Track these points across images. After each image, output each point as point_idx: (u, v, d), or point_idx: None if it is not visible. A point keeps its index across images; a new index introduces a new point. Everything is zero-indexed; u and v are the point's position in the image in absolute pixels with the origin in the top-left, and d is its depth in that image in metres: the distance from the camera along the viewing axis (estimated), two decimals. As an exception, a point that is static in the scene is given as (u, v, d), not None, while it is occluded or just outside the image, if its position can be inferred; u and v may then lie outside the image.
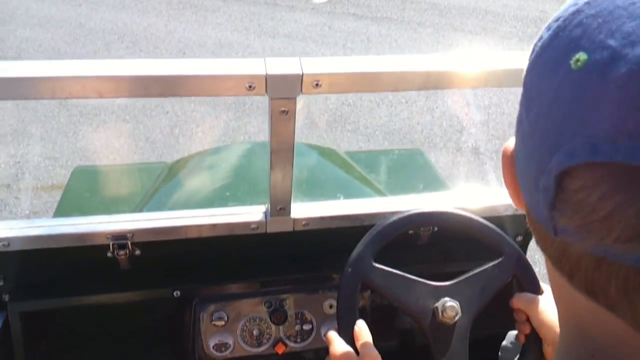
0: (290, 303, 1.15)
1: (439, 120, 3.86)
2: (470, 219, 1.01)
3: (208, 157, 1.80)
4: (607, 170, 0.29)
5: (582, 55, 0.31)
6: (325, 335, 1.00)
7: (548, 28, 0.35)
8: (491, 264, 0.98)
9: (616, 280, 0.31)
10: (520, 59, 0.92)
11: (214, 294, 1.14)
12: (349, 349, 0.88)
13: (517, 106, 0.39)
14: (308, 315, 1.16)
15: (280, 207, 1.06)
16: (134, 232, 1.04)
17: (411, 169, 1.97)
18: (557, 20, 0.34)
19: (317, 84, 0.87)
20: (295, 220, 1.09)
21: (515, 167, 0.39)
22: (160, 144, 3.54)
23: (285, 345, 1.15)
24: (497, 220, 1.07)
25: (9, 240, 1.00)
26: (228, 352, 1.14)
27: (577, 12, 0.33)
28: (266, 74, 0.84)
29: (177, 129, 3.70)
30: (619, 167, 0.29)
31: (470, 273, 0.98)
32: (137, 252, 1.07)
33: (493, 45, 5.21)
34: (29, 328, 1.11)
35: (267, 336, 1.15)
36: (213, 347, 1.13)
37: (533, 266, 1.01)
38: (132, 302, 1.14)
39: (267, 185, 1.02)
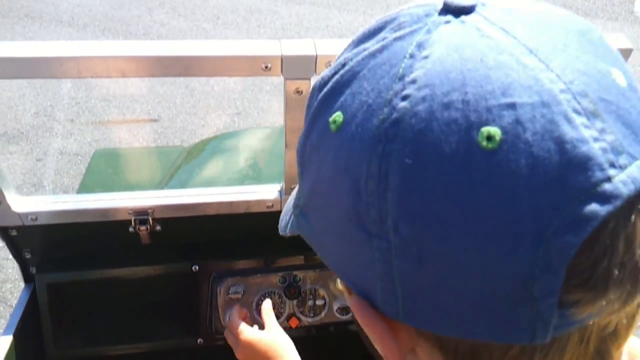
0: (303, 279, 1.19)
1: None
2: None
3: (225, 140, 1.85)
4: (618, 217, 0.27)
5: (491, 130, 0.27)
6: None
7: (388, 140, 0.29)
8: None
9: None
10: None
11: (230, 269, 1.18)
12: (259, 332, 0.96)
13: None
14: (321, 291, 1.20)
15: (294, 186, 1.09)
16: (155, 209, 1.08)
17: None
18: (394, 123, 0.29)
19: (330, 65, 0.89)
20: None
21: (410, 314, 0.31)
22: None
23: (299, 319, 1.19)
24: None
25: (36, 215, 1.05)
26: (243, 325, 1.18)
27: (423, 99, 0.28)
28: (282, 55, 0.87)
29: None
30: (627, 206, 0.26)
31: None
32: (158, 227, 1.11)
33: None
34: (55, 299, 1.17)
35: (282, 310, 1.19)
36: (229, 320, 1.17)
37: None
38: (152, 275, 1.18)
39: (276, 167, 1.05)
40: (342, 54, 0.35)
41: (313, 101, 0.35)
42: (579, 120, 0.26)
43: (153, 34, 4.92)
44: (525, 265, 0.26)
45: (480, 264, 0.27)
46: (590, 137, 0.26)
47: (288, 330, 1.20)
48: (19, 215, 1.04)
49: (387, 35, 0.32)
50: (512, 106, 0.26)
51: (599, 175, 0.26)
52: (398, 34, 0.31)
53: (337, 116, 0.32)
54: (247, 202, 1.11)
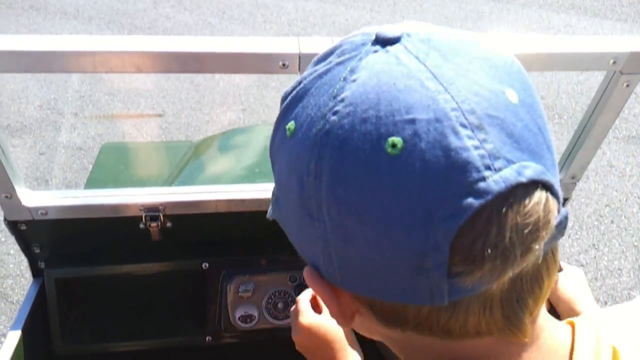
0: None
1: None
2: None
3: (234, 136, 1.84)
4: (491, 208, 0.33)
5: (395, 140, 0.34)
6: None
7: (321, 145, 0.36)
8: None
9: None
10: (561, 43, 0.91)
11: (241, 267, 1.17)
12: (317, 315, 0.87)
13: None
14: (331, 291, 1.19)
15: None
16: (166, 205, 1.07)
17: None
18: (327, 133, 0.36)
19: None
20: None
21: (341, 280, 0.39)
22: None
23: (308, 319, 1.19)
24: None
25: (47, 210, 1.04)
26: (253, 323, 1.17)
27: (347, 114, 0.36)
28: (299, 52, 0.86)
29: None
30: (498, 200, 0.33)
31: None
32: (169, 224, 1.10)
33: (513, 13, 5.35)
34: (63, 294, 1.16)
35: (291, 309, 1.18)
36: (238, 319, 1.17)
37: None
38: (162, 272, 1.18)
39: None
40: (306, 71, 0.42)
41: (280, 109, 0.42)
42: (464, 132, 0.33)
43: (158, 28, 4.91)
44: (420, 244, 0.34)
45: (388, 242, 0.35)
46: (472, 145, 0.33)
47: (297, 329, 1.20)
48: (29, 209, 1.03)
49: (333, 59, 0.39)
50: (412, 121, 0.34)
51: (475, 175, 0.33)
52: (340, 59, 0.38)
53: (291, 124, 0.39)
54: (259, 200, 1.10)
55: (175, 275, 1.19)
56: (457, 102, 0.34)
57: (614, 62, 0.88)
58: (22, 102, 3.77)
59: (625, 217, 2.98)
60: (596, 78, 4.05)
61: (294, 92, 0.40)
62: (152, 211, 1.07)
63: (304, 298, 0.91)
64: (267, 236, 1.21)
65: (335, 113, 0.36)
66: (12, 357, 1.03)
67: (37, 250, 1.14)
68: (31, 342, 1.10)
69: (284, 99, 0.42)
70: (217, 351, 1.27)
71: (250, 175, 1.48)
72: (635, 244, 2.81)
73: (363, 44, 0.38)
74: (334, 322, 0.88)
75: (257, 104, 3.82)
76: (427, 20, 5.15)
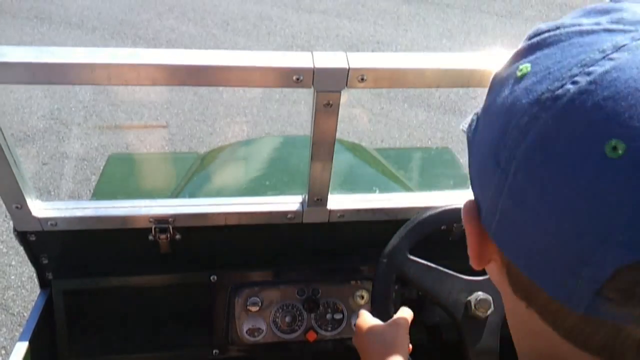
0: (322, 292, 1.18)
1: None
2: None
3: (239, 148, 1.84)
4: None
5: (619, 143, 0.30)
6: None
7: (543, 108, 0.33)
8: None
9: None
10: None
11: (249, 280, 1.17)
12: (378, 321, 0.89)
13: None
14: (339, 305, 1.19)
15: (317, 198, 1.08)
16: (175, 217, 1.07)
17: (440, 167, 1.98)
18: (555, 99, 0.33)
19: (362, 79, 0.89)
20: (331, 211, 1.11)
21: (496, 232, 0.38)
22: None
23: (316, 332, 1.18)
24: None
25: (56, 221, 1.04)
26: (260, 337, 1.17)
27: (586, 92, 0.31)
28: (314, 67, 0.87)
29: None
30: None
31: None
32: (178, 236, 1.10)
33: (517, 27, 5.40)
34: (71, 305, 1.15)
35: (299, 323, 1.18)
36: (246, 332, 1.16)
37: None
38: (170, 284, 1.17)
39: (298, 177, 1.04)
40: (571, 14, 0.38)
41: (523, 43, 0.39)
42: None
43: (162, 39, 4.93)
44: (586, 253, 0.31)
45: (556, 231, 0.33)
46: None
47: (305, 344, 1.19)
48: (39, 220, 1.03)
49: (603, 21, 0.34)
50: None
51: None
52: (611, 26, 0.33)
53: (526, 67, 0.36)
54: (269, 213, 1.10)
55: (183, 287, 1.19)
56: None
57: None
58: (26, 111, 3.77)
59: None
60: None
61: (546, 35, 0.36)
62: (162, 223, 1.07)
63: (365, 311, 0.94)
64: (276, 250, 1.21)
65: (574, 83, 0.32)
66: None
67: (45, 261, 1.14)
68: (38, 354, 1.09)
69: (533, 35, 0.38)
70: (224, 364, 1.27)
71: (258, 188, 1.48)
72: None
73: None
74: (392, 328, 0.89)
75: (260, 116, 3.82)
76: (431, 34, 5.20)
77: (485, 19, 5.57)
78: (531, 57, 0.36)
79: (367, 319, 0.90)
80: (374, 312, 0.95)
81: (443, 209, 1.01)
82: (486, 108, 0.40)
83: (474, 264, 0.44)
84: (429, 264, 0.97)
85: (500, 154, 0.36)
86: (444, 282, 0.97)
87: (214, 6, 5.61)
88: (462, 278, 0.98)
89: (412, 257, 0.97)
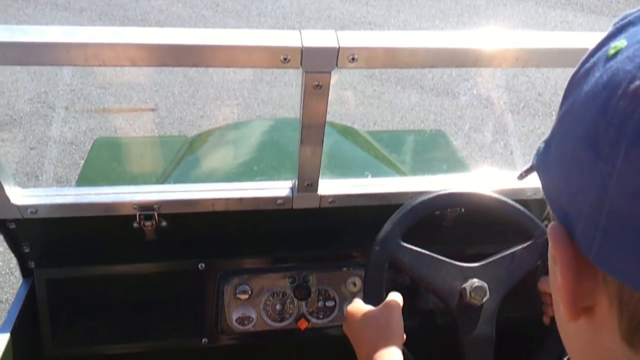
0: (313, 279, 1.15)
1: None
2: (502, 202, 0.99)
3: (229, 132, 1.80)
4: None
5: None
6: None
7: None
8: (520, 246, 0.97)
9: None
10: (558, 39, 0.90)
11: (238, 267, 1.14)
12: (370, 307, 0.88)
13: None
14: (331, 292, 1.16)
15: (307, 184, 1.05)
16: (161, 204, 1.03)
17: (433, 150, 1.95)
18: None
19: (353, 58, 0.85)
20: (321, 197, 1.08)
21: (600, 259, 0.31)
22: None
23: (308, 320, 1.16)
24: (523, 203, 1.06)
25: (37, 208, 1.00)
26: (250, 325, 1.14)
27: None
28: (302, 46, 0.82)
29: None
30: None
31: (499, 255, 0.97)
32: (164, 223, 1.07)
33: (509, 8, 5.33)
34: (54, 294, 1.12)
35: (290, 311, 1.15)
36: (236, 320, 1.13)
37: None
38: (157, 272, 1.14)
39: (288, 162, 1.01)
40: None
41: (609, 31, 0.36)
42: None
43: (151, 20, 4.84)
44: None
45: None
46: None
47: (297, 332, 1.16)
48: (18, 207, 0.99)
49: None
50: None
51: None
52: None
53: (621, 43, 0.32)
54: (257, 199, 1.07)
55: (170, 276, 1.15)
56: None
57: None
58: (12, 95, 3.70)
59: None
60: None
61: (638, 13, 0.34)
62: (147, 210, 1.04)
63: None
64: (266, 236, 1.18)
65: None
66: (1, 359, 0.99)
67: (27, 250, 1.10)
68: (21, 344, 1.06)
69: (620, 20, 0.36)
70: (214, 354, 1.24)
71: (248, 173, 1.44)
72: None
73: None
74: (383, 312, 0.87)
75: (251, 99, 3.77)
76: (423, 15, 5.14)
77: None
78: (625, 34, 0.33)
79: (359, 306, 0.89)
80: (366, 300, 0.92)
81: (437, 193, 0.98)
82: (566, 111, 0.35)
83: (567, 310, 0.34)
84: (422, 250, 0.95)
85: (599, 141, 0.30)
86: (438, 269, 0.95)
87: (206, -16, 5.54)
88: (456, 265, 0.95)
89: (405, 244, 0.94)
